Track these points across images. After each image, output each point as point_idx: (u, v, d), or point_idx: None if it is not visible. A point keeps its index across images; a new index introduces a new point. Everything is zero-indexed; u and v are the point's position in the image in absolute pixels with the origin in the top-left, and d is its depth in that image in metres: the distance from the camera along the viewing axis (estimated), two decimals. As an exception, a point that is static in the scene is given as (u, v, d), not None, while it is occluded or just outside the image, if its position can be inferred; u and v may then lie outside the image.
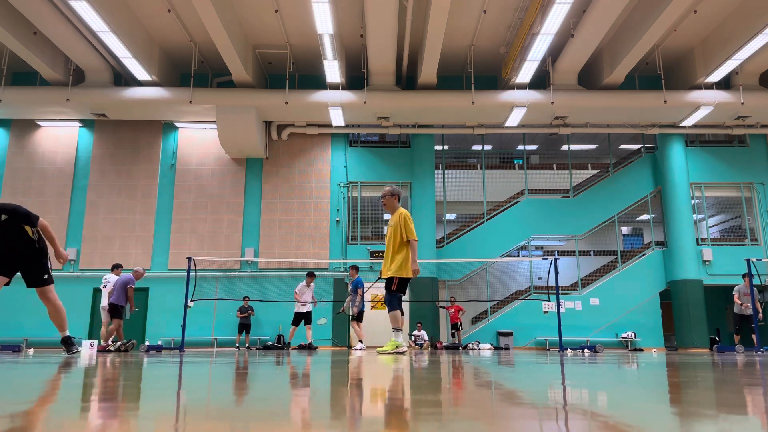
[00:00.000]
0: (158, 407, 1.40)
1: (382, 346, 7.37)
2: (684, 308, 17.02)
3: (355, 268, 12.24)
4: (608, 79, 16.11)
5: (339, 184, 18.06)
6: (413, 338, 15.91)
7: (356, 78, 17.59)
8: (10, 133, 18.16)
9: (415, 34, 15.20)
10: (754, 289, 12.50)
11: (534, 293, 17.69)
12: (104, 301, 11.20)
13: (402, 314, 7.04)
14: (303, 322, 12.96)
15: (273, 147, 18.23)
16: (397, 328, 6.99)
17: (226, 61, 14.95)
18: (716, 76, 15.93)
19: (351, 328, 12.43)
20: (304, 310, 12.87)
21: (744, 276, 12.69)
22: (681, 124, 17.27)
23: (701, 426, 1.13)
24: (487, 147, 20.21)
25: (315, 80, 17.83)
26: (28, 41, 14.49)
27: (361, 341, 11.78)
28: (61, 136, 18.18)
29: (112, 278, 11.18)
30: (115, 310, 10.56)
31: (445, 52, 16.50)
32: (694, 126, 17.62)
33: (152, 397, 1.68)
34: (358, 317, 12.10)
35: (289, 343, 13.27)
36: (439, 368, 3.55)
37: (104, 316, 11.19)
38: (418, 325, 16.17)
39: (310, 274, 12.90)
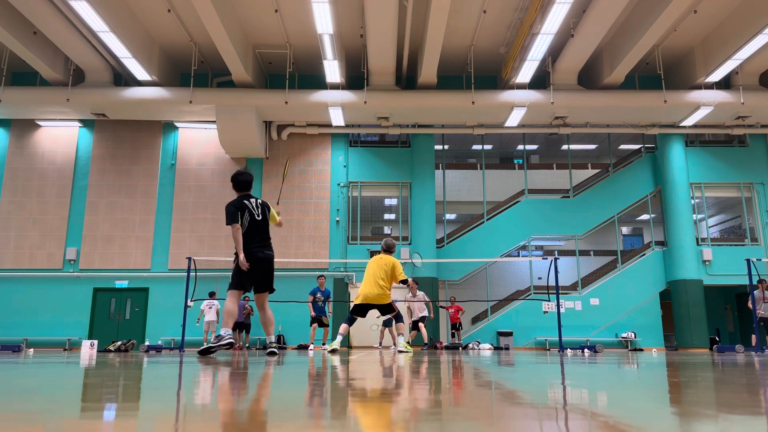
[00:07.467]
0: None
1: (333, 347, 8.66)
2: (684, 308, 17.02)
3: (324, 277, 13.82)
4: (608, 79, 16.10)
5: (339, 184, 18.05)
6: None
7: (356, 78, 17.57)
8: (10, 133, 18.15)
9: (415, 34, 15.18)
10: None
11: (534, 293, 17.67)
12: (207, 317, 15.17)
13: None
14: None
15: (273, 147, 18.22)
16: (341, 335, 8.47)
17: (226, 61, 14.94)
18: (716, 76, 15.91)
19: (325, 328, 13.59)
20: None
21: (760, 281, 12.68)
22: (681, 124, 17.26)
23: (701, 426, 1.14)
24: (487, 147, 20.18)
25: (315, 80, 17.80)
26: (28, 41, 14.48)
27: (312, 343, 13.24)
28: (61, 136, 18.16)
29: (214, 303, 14.98)
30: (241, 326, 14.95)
31: (445, 52, 16.48)
32: (694, 126, 17.60)
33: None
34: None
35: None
36: (440, 368, 3.56)
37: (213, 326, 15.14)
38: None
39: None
